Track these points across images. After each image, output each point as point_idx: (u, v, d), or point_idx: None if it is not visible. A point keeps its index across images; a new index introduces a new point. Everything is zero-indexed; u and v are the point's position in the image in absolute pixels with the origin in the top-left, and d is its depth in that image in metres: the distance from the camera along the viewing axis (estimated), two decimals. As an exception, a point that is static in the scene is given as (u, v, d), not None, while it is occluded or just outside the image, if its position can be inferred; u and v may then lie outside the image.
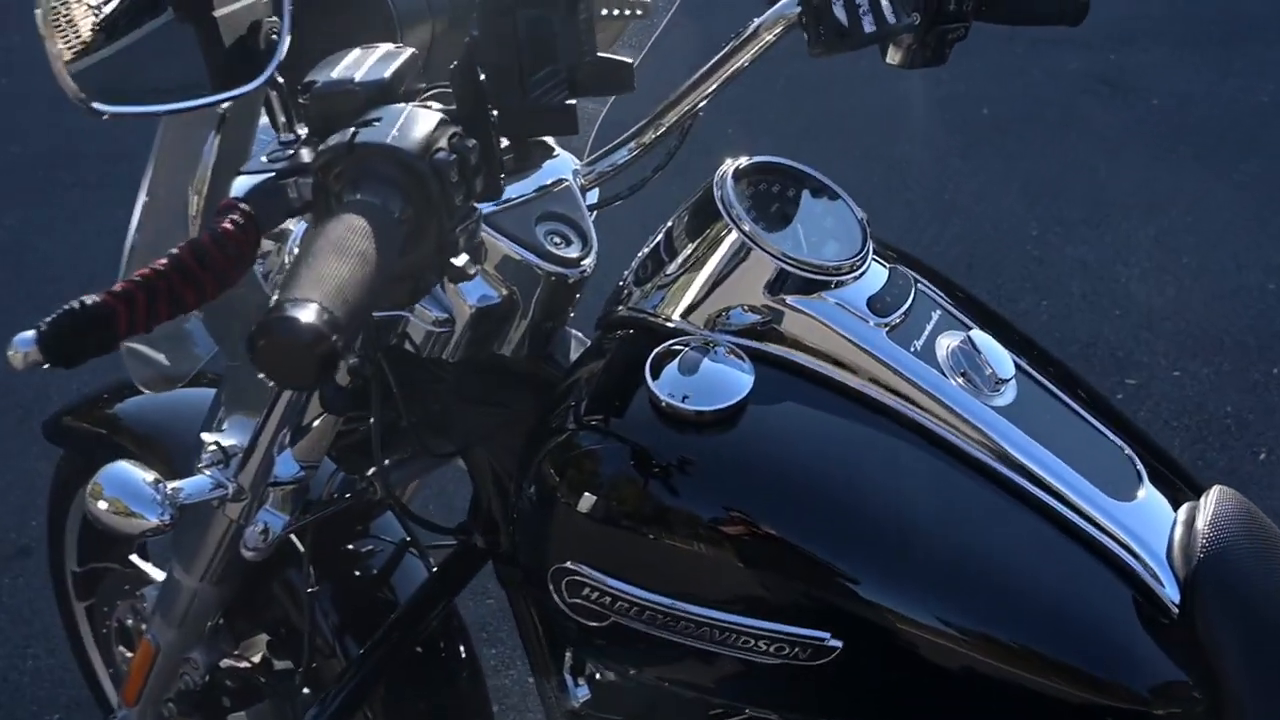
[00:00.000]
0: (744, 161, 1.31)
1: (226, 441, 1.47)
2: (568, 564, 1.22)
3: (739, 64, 1.46)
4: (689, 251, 1.29)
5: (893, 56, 1.49)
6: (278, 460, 1.46)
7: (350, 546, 1.83)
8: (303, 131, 1.18)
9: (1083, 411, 1.30)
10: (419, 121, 0.96)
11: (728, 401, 1.18)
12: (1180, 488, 1.30)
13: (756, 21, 1.46)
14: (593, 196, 1.56)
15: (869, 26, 1.33)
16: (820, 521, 1.18)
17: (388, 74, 1.01)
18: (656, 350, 1.22)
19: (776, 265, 1.23)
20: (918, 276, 1.35)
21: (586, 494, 1.21)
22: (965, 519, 1.21)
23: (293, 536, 1.57)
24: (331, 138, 0.95)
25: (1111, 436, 1.29)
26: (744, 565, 1.17)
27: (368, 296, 0.79)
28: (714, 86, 1.48)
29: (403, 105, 0.98)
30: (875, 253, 1.34)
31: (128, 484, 1.40)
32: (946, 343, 1.27)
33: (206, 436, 1.47)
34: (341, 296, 0.75)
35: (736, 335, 1.26)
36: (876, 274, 1.29)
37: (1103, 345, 3.74)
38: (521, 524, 1.32)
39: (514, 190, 1.35)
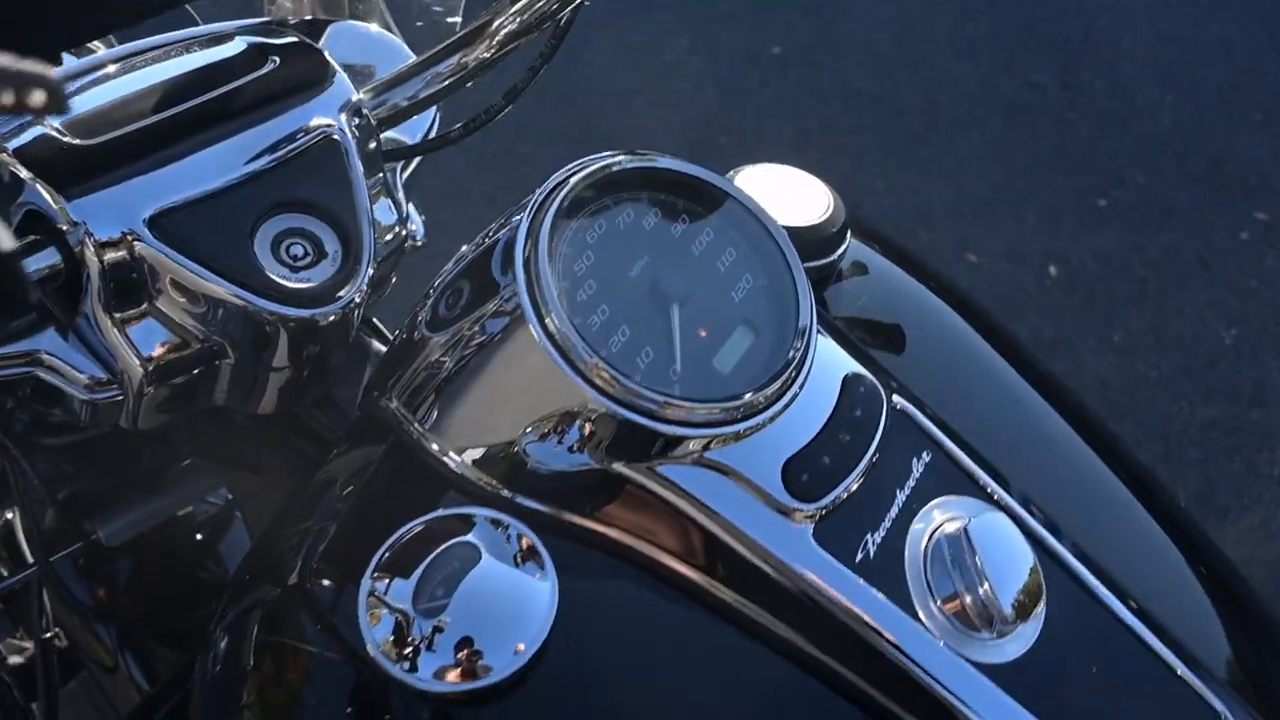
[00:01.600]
0: (590, 168, 0.72)
1: None
2: None
3: None
4: (477, 333, 0.72)
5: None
6: None
7: None
8: None
9: (1159, 645, 0.75)
10: None
11: (501, 673, 0.65)
12: None
13: None
14: (418, 127, 0.97)
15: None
16: None
17: None
18: (388, 546, 0.68)
19: (606, 407, 0.66)
20: (900, 386, 0.77)
21: None
22: None
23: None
24: None
25: (1208, 695, 0.74)
26: None
27: None
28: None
29: None
30: (835, 338, 0.76)
31: None
32: (927, 536, 0.71)
33: None
34: None
35: (544, 504, 0.71)
36: (815, 402, 0.71)
37: (1232, 164, 3.01)
38: (195, 697, 0.83)
39: (217, 158, 0.79)
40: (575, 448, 0.69)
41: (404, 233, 0.90)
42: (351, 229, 0.82)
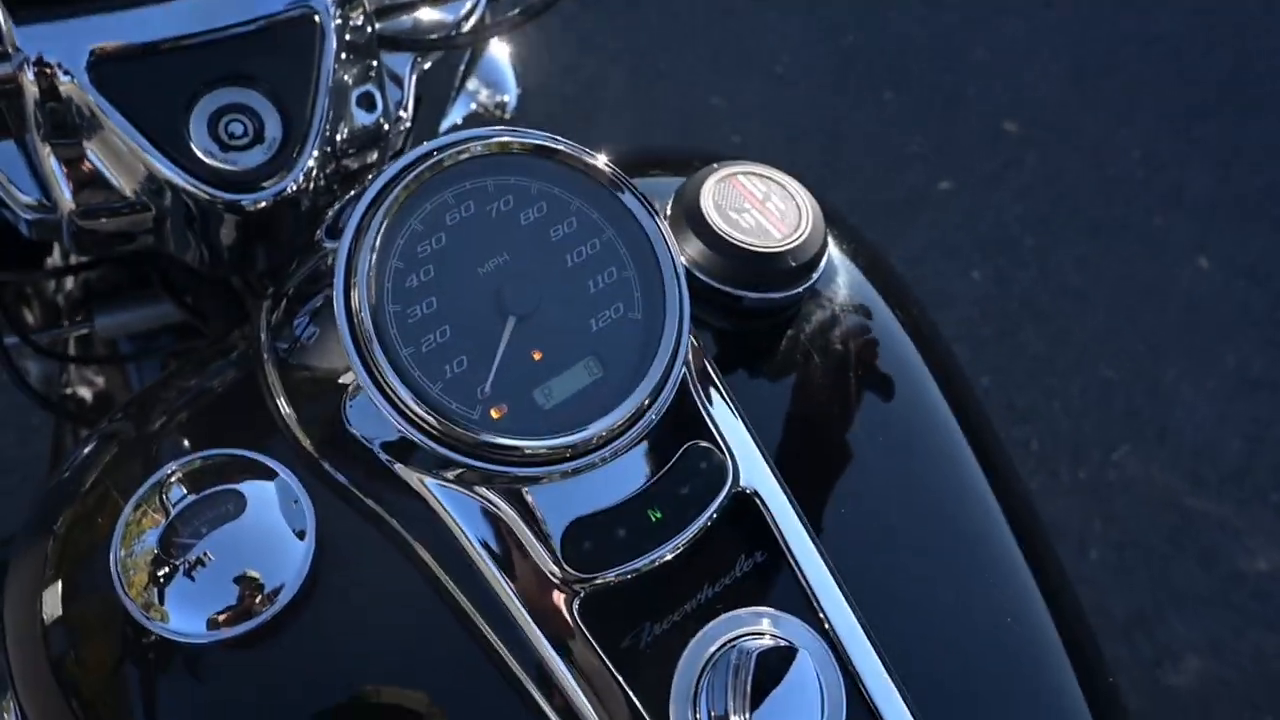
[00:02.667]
0: (477, 140, 0.65)
1: None
2: None
3: None
4: (315, 285, 0.68)
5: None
6: None
7: None
8: None
9: None
10: None
11: (244, 624, 0.63)
12: None
13: None
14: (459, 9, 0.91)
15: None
16: None
17: None
18: (153, 481, 0.66)
19: (378, 405, 0.61)
20: (772, 466, 0.68)
21: (55, 621, 0.71)
22: None
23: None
24: None
25: None
26: None
27: None
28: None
29: None
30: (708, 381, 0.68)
31: None
32: (718, 643, 0.64)
33: None
34: None
35: (338, 474, 0.67)
36: (635, 467, 0.64)
37: None
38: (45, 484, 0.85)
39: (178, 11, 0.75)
40: (369, 436, 0.64)
41: (390, 127, 0.86)
42: (297, 118, 0.78)
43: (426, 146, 0.64)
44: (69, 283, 1.18)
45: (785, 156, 2.67)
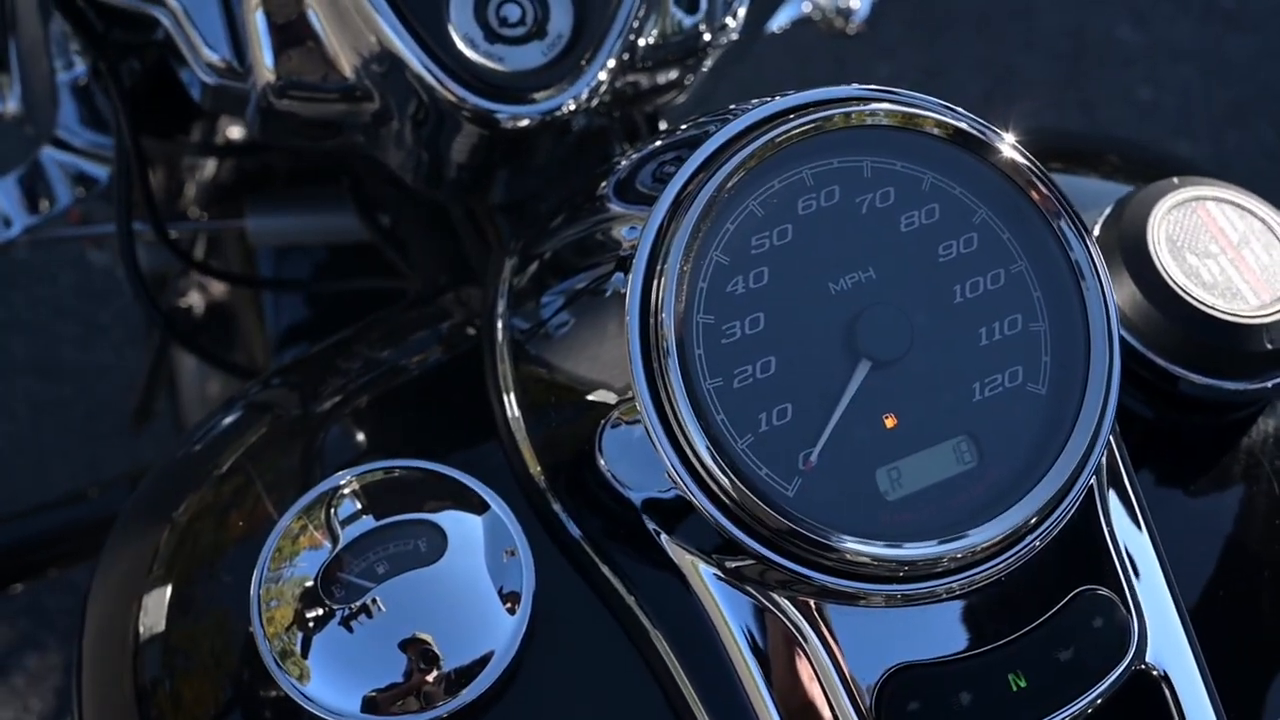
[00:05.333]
0: (863, 103, 0.65)
1: None
2: None
3: None
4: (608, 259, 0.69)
5: None
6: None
7: None
8: None
9: None
10: None
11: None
12: None
13: None
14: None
15: None
16: None
17: None
18: (321, 490, 0.70)
19: (664, 456, 0.62)
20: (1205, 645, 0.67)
21: (154, 637, 0.77)
22: None
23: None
24: None
25: None
26: None
27: None
28: None
29: None
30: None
31: None
32: None
33: None
34: None
35: (578, 526, 0.70)
36: (1000, 607, 0.64)
37: None
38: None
39: None
40: (627, 483, 0.66)
41: (711, 38, 0.88)
42: (596, 8, 0.81)
43: (800, 97, 0.64)
44: (209, 165, 1.26)
45: (1212, 141, 2.57)
